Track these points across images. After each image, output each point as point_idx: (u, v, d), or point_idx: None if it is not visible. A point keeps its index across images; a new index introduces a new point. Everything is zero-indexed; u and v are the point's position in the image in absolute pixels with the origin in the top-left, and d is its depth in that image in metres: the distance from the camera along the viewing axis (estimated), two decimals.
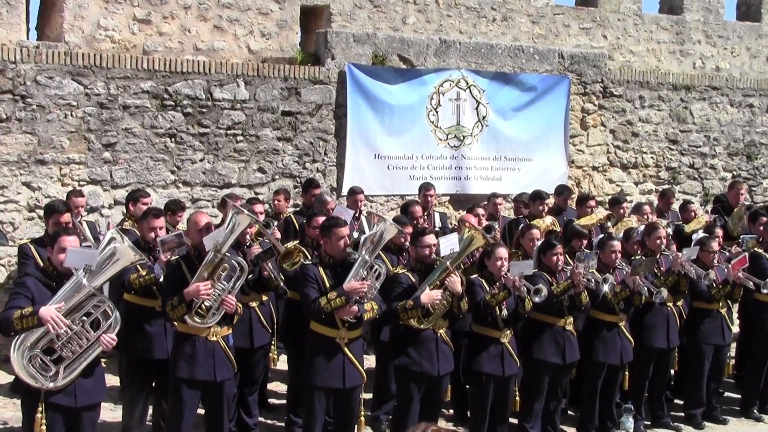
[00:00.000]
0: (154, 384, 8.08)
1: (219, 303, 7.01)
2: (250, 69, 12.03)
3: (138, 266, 7.84)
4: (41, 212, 9.95)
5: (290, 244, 8.72)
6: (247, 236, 8.22)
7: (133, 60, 11.41)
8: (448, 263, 7.74)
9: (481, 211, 10.51)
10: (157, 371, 7.95)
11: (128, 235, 8.34)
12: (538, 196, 11.29)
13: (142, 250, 7.95)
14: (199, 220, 7.38)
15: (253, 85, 12.04)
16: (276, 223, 9.46)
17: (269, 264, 8.20)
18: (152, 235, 8.06)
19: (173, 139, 11.64)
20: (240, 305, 7.31)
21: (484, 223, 10.08)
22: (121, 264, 6.37)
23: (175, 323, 7.17)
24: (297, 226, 10.36)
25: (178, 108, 11.61)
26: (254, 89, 12.04)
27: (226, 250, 7.04)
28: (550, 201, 11.75)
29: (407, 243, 8.81)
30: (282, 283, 8.35)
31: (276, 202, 11.30)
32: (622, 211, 11.38)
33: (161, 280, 7.68)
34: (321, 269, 7.36)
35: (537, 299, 7.96)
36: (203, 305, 7.00)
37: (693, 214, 11.76)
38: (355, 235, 9.98)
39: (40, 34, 12.40)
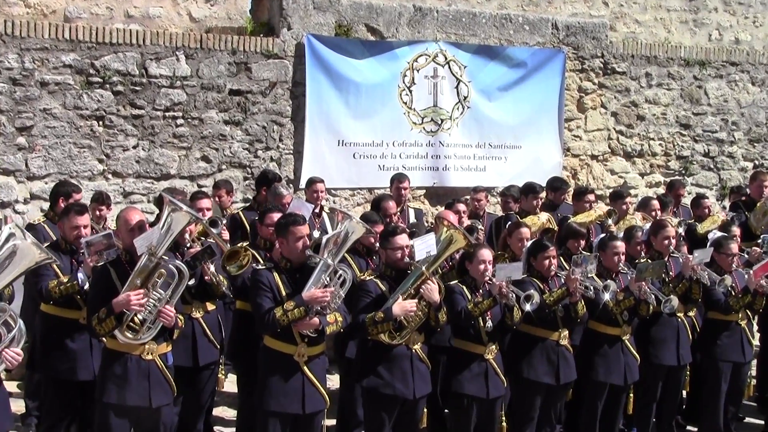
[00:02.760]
0: (78, 410, 8.06)
1: (155, 315, 6.96)
2: (192, 40, 12.01)
3: (58, 272, 7.81)
4: None
5: (239, 245, 8.71)
6: (187, 236, 8.20)
7: (52, 28, 11.33)
8: (423, 268, 7.73)
9: (462, 207, 10.55)
10: (81, 395, 7.91)
11: (34, 232, 8.29)
12: (530, 190, 11.33)
13: (63, 252, 7.97)
14: (129, 217, 7.27)
15: (195, 59, 12.01)
16: (224, 221, 9.44)
17: (210, 266, 8.12)
18: (75, 235, 8.01)
19: (101, 123, 11.59)
20: (181, 317, 7.26)
21: (466, 222, 10.13)
22: (24, 265, 6.17)
23: (103, 339, 7.12)
24: (247, 225, 10.35)
25: (107, 86, 11.56)
26: (197, 64, 12.02)
27: (163, 252, 6.99)
28: (543, 195, 11.79)
29: (377, 244, 8.84)
30: (227, 289, 8.31)
31: (217, 198, 11.20)
32: (625, 206, 11.45)
33: (86, 288, 7.65)
34: (276, 275, 7.34)
35: (528, 307, 7.96)
36: (136, 318, 6.95)
37: (707, 210, 11.86)
38: (316, 234, 9.98)
39: None
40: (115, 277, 7.03)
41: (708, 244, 10.11)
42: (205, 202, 9.63)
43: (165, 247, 7.02)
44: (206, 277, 8.13)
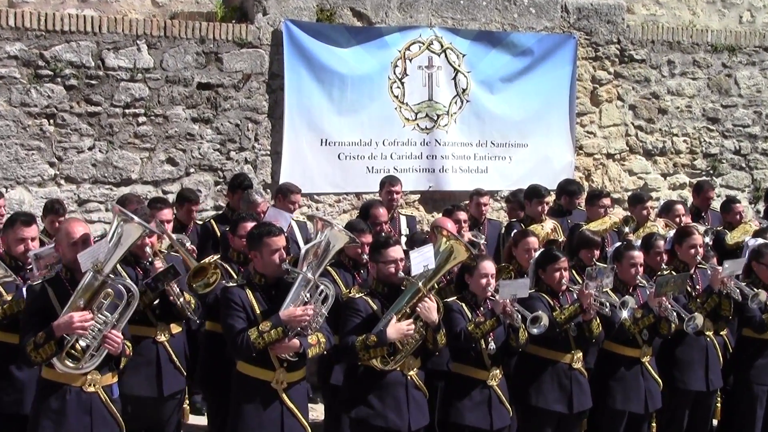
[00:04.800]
0: None
1: (99, 341, 6.85)
2: (155, 27, 12.01)
3: (1, 289, 7.78)
4: None
5: (208, 259, 8.70)
6: (148, 249, 8.18)
7: None
8: (420, 284, 7.73)
9: (463, 215, 10.54)
10: None
11: None
12: (534, 194, 11.35)
13: (10, 268, 7.96)
14: (72, 229, 7.09)
15: (159, 48, 12.01)
16: (186, 241, 9.38)
17: (175, 287, 8.14)
18: (21, 248, 7.97)
19: (52, 121, 11.58)
20: (128, 344, 7.19)
21: (468, 235, 10.13)
22: None
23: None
24: (218, 235, 10.35)
25: (59, 79, 11.56)
26: (161, 54, 12.02)
27: (111, 270, 6.89)
28: (550, 199, 11.78)
29: (364, 256, 8.83)
30: (193, 311, 8.28)
31: (186, 212, 11.11)
32: (645, 212, 11.48)
33: None
34: (249, 292, 7.34)
35: (535, 330, 7.96)
36: (78, 344, 6.84)
37: (739, 216, 11.87)
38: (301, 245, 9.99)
39: None
40: (54, 297, 6.90)
41: (744, 253, 10.13)
42: (166, 213, 9.61)
43: (113, 264, 6.91)
44: (171, 298, 8.11)
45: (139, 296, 7.70)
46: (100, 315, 6.86)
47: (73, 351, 6.86)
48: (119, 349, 6.94)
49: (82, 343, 6.85)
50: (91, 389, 6.97)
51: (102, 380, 7.03)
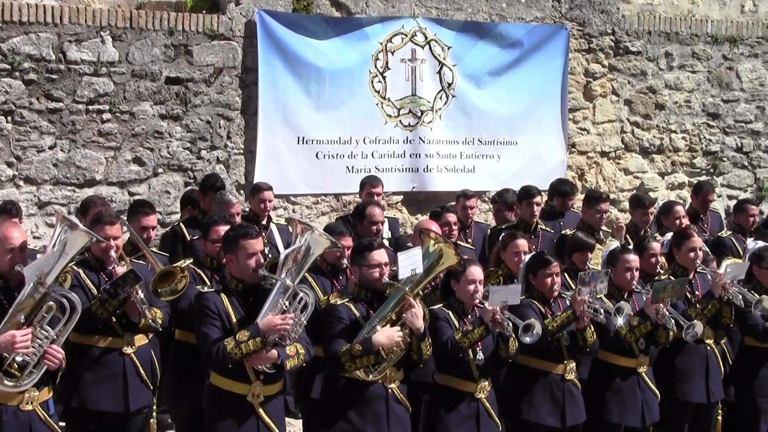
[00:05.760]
0: None
1: (39, 357, 6.80)
2: (120, 18, 12.01)
3: None
4: None
5: (180, 263, 8.71)
6: (112, 254, 8.17)
7: None
8: (406, 289, 7.71)
9: (453, 217, 10.53)
10: None
11: None
12: (525, 194, 11.34)
13: None
14: (9, 235, 6.97)
15: (124, 41, 12.02)
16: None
17: (139, 292, 8.10)
18: None
19: (10, 118, 11.57)
20: (63, 355, 7.11)
21: (460, 253, 10.13)
22: None
23: None
24: (188, 240, 10.36)
25: (17, 74, 11.55)
26: (126, 47, 12.03)
27: (53, 281, 6.84)
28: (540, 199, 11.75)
29: (344, 261, 8.86)
30: (155, 320, 8.24)
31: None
32: (645, 218, 11.48)
33: None
34: (225, 298, 7.34)
35: (528, 339, 7.96)
36: (15, 361, 6.79)
37: (752, 219, 11.87)
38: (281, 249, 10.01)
39: None
40: None
41: (745, 256, 10.17)
42: (151, 219, 9.55)
43: (56, 274, 6.87)
44: (135, 314, 8.07)
45: (100, 305, 7.78)
46: (41, 330, 6.81)
47: (10, 369, 6.78)
48: (59, 364, 6.91)
49: (19, 359, 6.76)
50: (29, 407, 6.92)
51: (39, 396, 7.00)
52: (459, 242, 10.57)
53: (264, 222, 10.94)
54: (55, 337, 6.86)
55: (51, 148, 11.75)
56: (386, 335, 7.52)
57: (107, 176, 12.00)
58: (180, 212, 11.52)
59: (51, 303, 6.83)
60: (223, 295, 7.35)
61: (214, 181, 11.24)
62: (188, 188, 11.92)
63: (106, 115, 11.95)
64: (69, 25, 11.75)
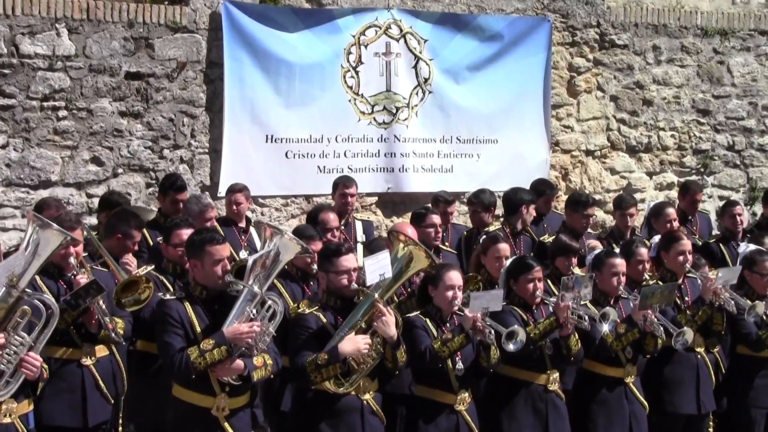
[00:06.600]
0: None
1: (16, 365, 6.77)
2: (77, 10, 11.97)
3: None
4: None
5: (140, 271, 8.71)
6: (72, 260, 8.16)
7: None
8: (376, 295, 7.73)
9: (437, 219, 10.47)
10: None
11: None
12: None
13: None
14: None
15: (81, 33, 11.98)
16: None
17: (102, 304, 8.10)
18: None
19: None
20: (45, 367, 7.13)
21: (436, 257, 10.14)
22: None
23: None
24: (150, 243, 10.36)
25: None
26: (83, 40, 11.99)
27: (27, 284, 6.82)
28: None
29: (314, 266, 8.86)
30: (116, 331, 8.23)
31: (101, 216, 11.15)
32: (624, 219, 11.52)
33: None
34: (188, 306, 7.33)
35: (512, 347, 7.94)
36: None
37: (736, 219, 11.92)
38: (243, 255, 10.00)
39: None
40: None
41: (737, 260, 10.19)
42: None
43: (30, 277, 6.84)
44: (93, 321, 8.06)
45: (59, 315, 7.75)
46: (16, 336, 6.76)
47: None
48: (38, 373, 6.85)
49: None
50: (7, 420, 6.89)
51: (18, 409, 6.97)
52: (442, 246, 10.58)
53: (243, 225, 10.95)
54: (32, 344, 6.79)
55: (3, 147, 11.71)
56: (352, 343, 7.53)
57: (63, 177, 11.96)
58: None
59: (26, 307, 6.77)
60: (186, 303, 7.33)
61: (174, 181, 11.24)
62: (107, 192, 11.75)
63: (62, 113, 11.92)
64: (22, 17, 11.71)
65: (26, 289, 6.79)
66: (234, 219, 11.16)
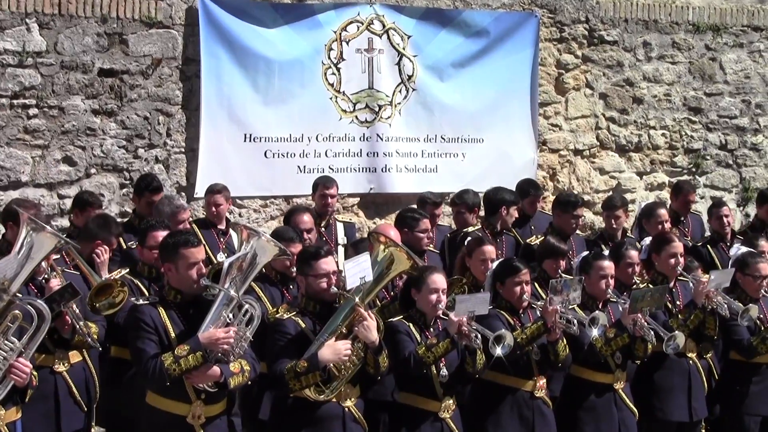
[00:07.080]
0: None
1: (5, 371, 6.82)
2: (48, 4, 11.95)
3: None
4: None
5: (114, 275, 8.69)
6: (44, 264, 8.13)
7: None
8: (356, 299, 7.72)
9: (428, 223, 10.40)
10: None
11: None
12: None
13: None
14: None
15: (52, 29, 11.96)
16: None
17: (75, 309, 8.06)
18: None
19: None
20: (35, 374, 7.19)
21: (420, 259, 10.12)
22: None
23: None
24: (123, 246, 10.33)
25: None
26: (55, 36, 11.97)
27: (18, 288, 6.88)
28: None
29: (293, 269, 8.85)
30: (91, 336, 8.21)
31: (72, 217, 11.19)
32: (613, 221, 11.52)
33: None
34: (162, 311, 7.30)
35: (500, 351, 7.90)
36: None
37: (724, 220, 11.96)
38: (221, 258, 9.98)
39: None
40: None
41: (729, 263, 10.20)
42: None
43: (21, 281, 6.89)
44: (65, 326, 8.03)
45: None
46: (6, 342, 6.77)
47: None
48: (27, 380, 6.88)
49: None
50: None
51: (6, 416, 7.00)
52: (431, 249, 10.58)
53: (222, 227, 10.94)
54: (22, 349, 6.79)
55: None
56: (332, 350, 7.51)
57: (34, 177, 11.94)
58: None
59: (17, 312, 6.77)
60: (160, 308, 7.30)
61: (150, 182, 11.24)
62: (80, 191, 11.72)
63: (33, 111, 11.89)
64: None
65: (17, 294, 6.81)
66: (213, 221, 11.16)
